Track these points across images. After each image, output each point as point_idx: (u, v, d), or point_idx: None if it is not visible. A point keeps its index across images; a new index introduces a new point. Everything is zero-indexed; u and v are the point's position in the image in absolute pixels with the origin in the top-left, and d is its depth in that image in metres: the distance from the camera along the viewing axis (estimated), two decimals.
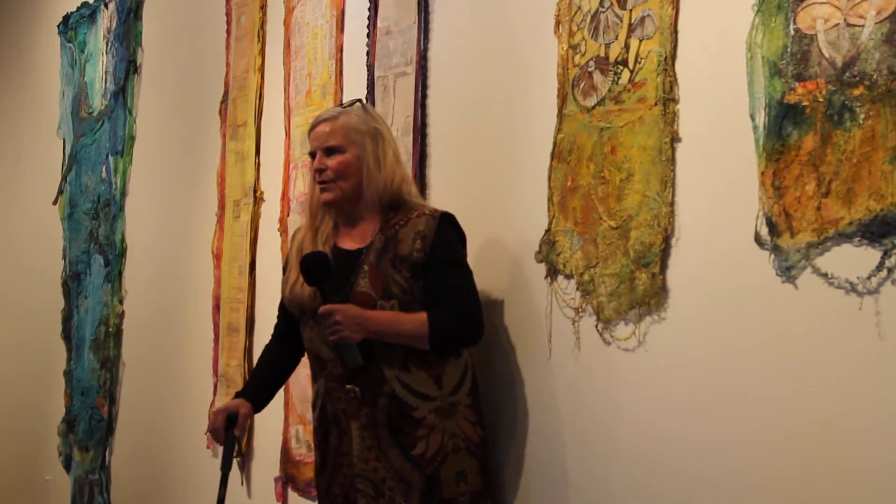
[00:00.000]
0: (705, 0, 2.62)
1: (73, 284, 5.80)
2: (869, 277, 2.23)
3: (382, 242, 2.98)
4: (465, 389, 2.98)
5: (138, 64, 5.31)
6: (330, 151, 3.02)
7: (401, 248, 2.95)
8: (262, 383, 3.27)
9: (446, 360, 2.96)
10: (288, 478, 3.97)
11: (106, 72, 5.55)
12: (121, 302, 5.32)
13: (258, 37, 4.33)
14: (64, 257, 5.91)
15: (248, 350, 4.28)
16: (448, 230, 2.99)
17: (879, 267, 2.22)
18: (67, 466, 5.74)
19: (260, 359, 3.36)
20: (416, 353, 2.93)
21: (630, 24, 2.79)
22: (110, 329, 5.35)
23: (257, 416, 4.15)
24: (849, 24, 2.30)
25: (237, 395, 3.24)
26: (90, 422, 5.48)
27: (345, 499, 3.02)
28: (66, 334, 5.84)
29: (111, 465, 5.34)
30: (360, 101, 3.11)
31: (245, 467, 4.27)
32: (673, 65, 2.68)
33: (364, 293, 2.94)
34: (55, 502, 5.92)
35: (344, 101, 3.25)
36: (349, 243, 3.06)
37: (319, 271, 2.94)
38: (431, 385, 2.94)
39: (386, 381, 2.93)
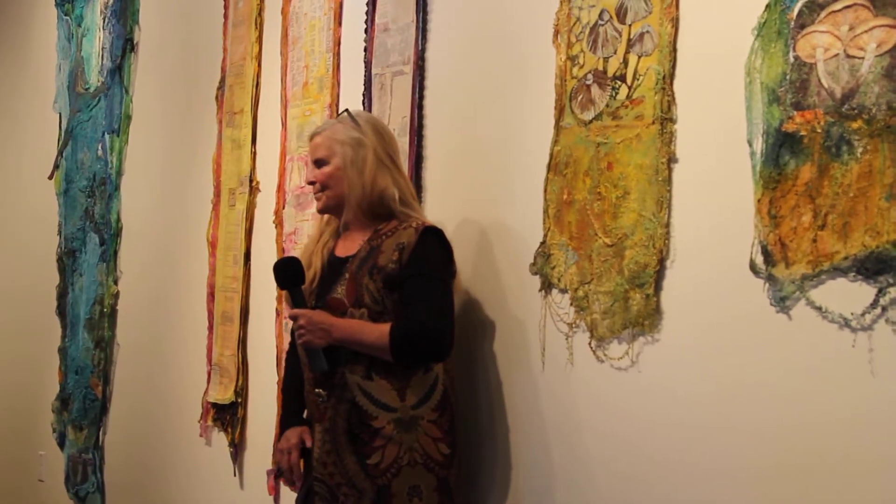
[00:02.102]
0: (705, 20, 2.59)
1: (68, 261, 5.77)
2: (863, 314, 2.22)
3: (367, 251, 3.02)
4: (430, 404, 2.97)
5: (135, 42, 5.26)
6: (319, 163, 3.11)
7: (380, 259, 2.98)
8: (298, 405, 3.21)
9: (413, 373, 2.97)
10: (280, 471, 3.96)
11: (103, 48, 5.50)
12: (115, 282, 5.31)
13: (255, 24, 4.29)
14: (59, 233, 5.88)
15: (242, 341, 4.27)
16: (429, 244, 2.99)
17: (874, 304, 2.21)
18: (61, 444, 5.75)
19: (286, 375, 3.36)
20: (381, 363, 2.94)
21: (629, 40, 2.76)
22: (105, 309, 5.34)
23: (251, 409, 4.19)
24: (848, 56, 2.27)
25: (284, 424, 3.20)
26: (84, 401, 5.48)
27: (304, 499, 3.09)
28: (61, 311, 5.83)
29: (105, 445, 5.35)
30: (347, 111, 3.14)
31: (238, 459, 4.27)
32: (671, 84, 2.65)
33: (337, 299, 2.99)
34: (49, 477, 5.93)
35: (340, 111, 3.22)
36: (343, 250, 3.12)
37: (288, 276, 3.03)
38: (393, 396, 2.95)
39: (348, 387, 2.96)
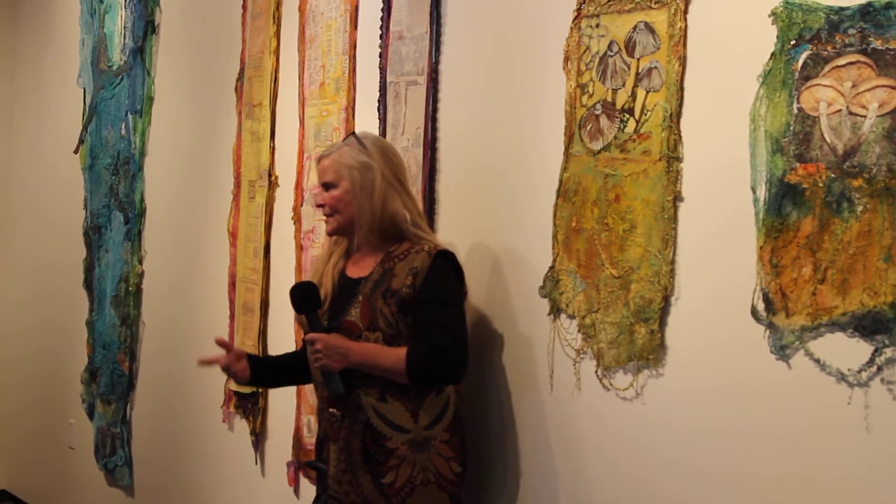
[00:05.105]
0: (712, 62, 2.59)
1: (94, 236, 5.84)
2: (860, 371, 2.26)
3: (380, 274, 3.06)
4: (442, 425, 3.04)
5: (156, 24, 5.28)
6: (327, 187, 3.14)
7: (394, 283, 3.02)
8: (272, 364, 3.49)
9: (426, 395, 3.03)
10: (300, 464, 4.06)
11: (125, 27, 5.52)
12: (140, 262, 5.38)
13: (273, 18, 4.30)
14: (85, 207, 5.95)
15: (263, 332, 4.34)
16: (441, 268, 3.03)
17: (870, 362, 2.25)
18: (90, 414, 5.87)
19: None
20: (395, 385, 3.01)
21: (637, 73, 2.77)
22: (130, 288, 5.42)
23: (272, 402, 4.27)
24: (851, 113, 2.29)
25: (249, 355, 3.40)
26: (112, 376, 5.58)
27: None
28: (88, 284, 5.91)
29: (132, 420, 5.46)
30: (353, 134, 3.18)
31: (259, 447, 4.36)
32: (678, 122, 2.67)
33: (352, 322, 3.05)
34: (78, 444, 6.06)
35: (348, 135, 3.24)
36: (354, 271, 3.15)
37: (304, 301, 3.10)
38: (407, 417, 3.01)
39: (362, 408, 3.03)
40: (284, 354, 3.61)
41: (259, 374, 3.38)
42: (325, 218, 3.19)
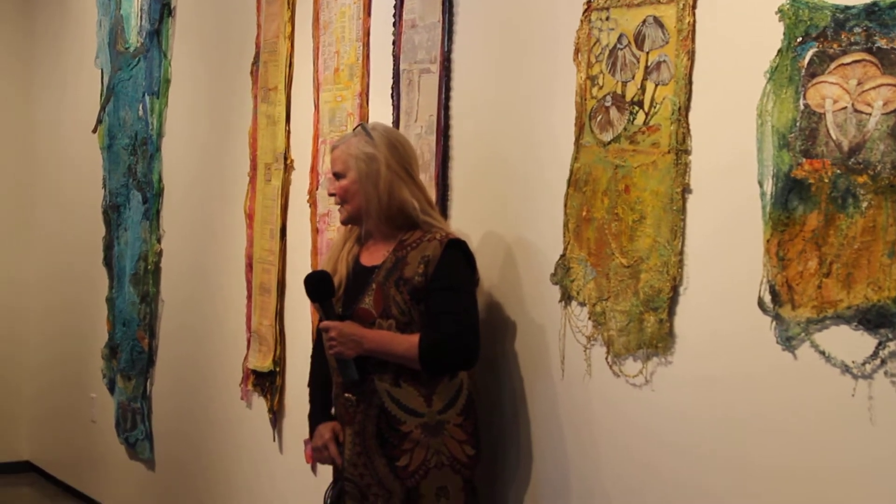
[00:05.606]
0: (720, 57, 2.64)
1: (112, 215, 5.91)
2: (864, 363, 2.31)
3: (393, 262, 3.13)
4: (456, 409, 3.10)
5: (172, 7, 5.32)
6: (337, 176, 3.21)
7: (406, 271, 3.09)
8: (325, 400, 3.37)
9: (440, 380, 3.09)
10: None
11: (141, 9, 5.56)
12: (159, 241, 5.45)
13: (288, 3, 4.33)
14: (104, 186, 6.02)
15: (280, 313, 4.40)
16: (453, 256, 3.10)
17: (874, 355, 2.30)
18: (111, 389, 5.96)
19: (311, 371, 3.47)
20: (409, 370, 3.08)
21: (647, 67, 2.81)
22: (149, 266, 5.49)
23: (289, 380, 4.35)
24: (856, 110, 2.33)
25: (313, 419, 3.37)
26: (132, 352, 5.67)
27: (338, 497, 3.24)
28: (108, 262, 5.98)
29: (152, 396, 5.55)
30: (361, 125, 3.25)
31: (277, 425, 4.44)
32: (686, 116, 2.71)
33: (365, 310, 3.12)
34: (100, 417, 6.15)
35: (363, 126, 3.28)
36: (368, 258, 3.22)
37: (319, 290, 3.18)
38: (420, 402, 3.08)
39: (377, 393, 3.10)
40: (320, 388, 3.43)
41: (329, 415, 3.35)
42: (338, 207, 3.25)
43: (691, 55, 2.70)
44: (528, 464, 3.18)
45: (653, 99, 2.79)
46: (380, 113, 3.77)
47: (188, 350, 5.23)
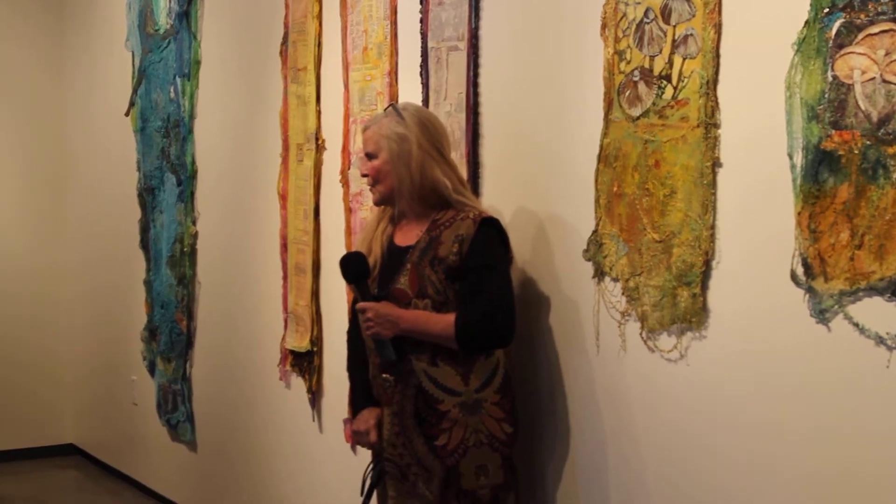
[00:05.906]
0: (747, 30, 2.62)
1: (147, 198, 5.95)
2: None
3: (427, 242, 3.14)
4: (493, 387, 3.12)
5: None
6: (369, 157, 3.23)
7: (440, 250, 3.10)
8: (366, 384, 3.33)
9: (476, 358, 3.11)
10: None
11: None
12: (194, 223, 5.48)
13: None
14: (138, 169, 6.06)
15: (316, 293, 4.43)
16: (487, 235, 3.10)
17: None
18: (151, 371, 6.01)
19: (349, 354, 3.46)
20: (445, 350, 3.09)
21: (674, 40, 2.80)
22: (185, 249, 5.53)
23: (327, 360, 4.38)
24: (885, 81, 2.31)
25: (356, 404, 3.36)
26: (171, 334, 5.72)
27: (378, 477, 3.27)
28: (145, 245, 6.03)
29: (192, 378, 5.60)
30: (392, 105, 3.26)
31: (316, 405, 4.47)
32: (715, 89, 2.70)
33: (401, 290, 3.14)
34: (141, 400, 6.22)
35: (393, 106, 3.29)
36: (402, 238, 3.23)
37: (354, 271, 3.20)
38: (458, 381, 3.10)
39: (414, 373, 3.12)
40: (359, 370, 3.40)
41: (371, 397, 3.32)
42: (370, 188, 3.26)
43: (718, 28, 2.69)
44: (565, 440, 3.20)
45: (681, 73, 2.79)
46: (409, 91, 3.77)
47: (226, 331, 5.27)
